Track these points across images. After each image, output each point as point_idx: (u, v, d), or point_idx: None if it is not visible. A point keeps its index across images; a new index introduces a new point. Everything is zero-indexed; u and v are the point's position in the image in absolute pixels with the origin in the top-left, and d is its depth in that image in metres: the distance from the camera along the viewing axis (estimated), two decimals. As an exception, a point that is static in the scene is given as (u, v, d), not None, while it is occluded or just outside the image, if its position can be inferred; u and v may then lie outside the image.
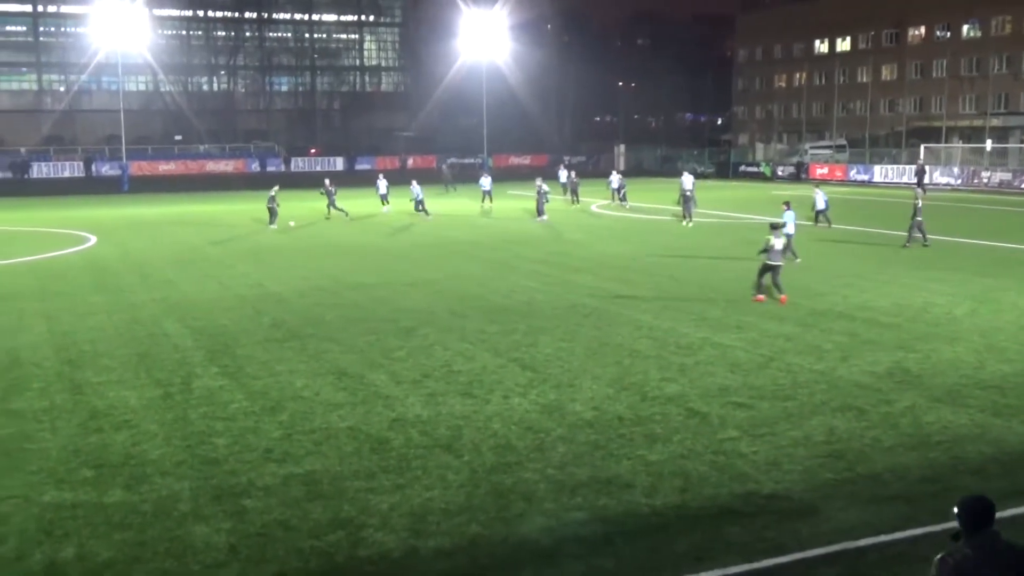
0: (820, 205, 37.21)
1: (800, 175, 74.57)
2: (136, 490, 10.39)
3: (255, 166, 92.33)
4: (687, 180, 43.14)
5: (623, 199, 48.77)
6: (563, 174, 56.17)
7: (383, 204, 46.85)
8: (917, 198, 31.38)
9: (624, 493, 10.25)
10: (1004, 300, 21.27)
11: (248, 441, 11.96)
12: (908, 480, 10.58)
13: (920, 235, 30.79)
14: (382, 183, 47.18)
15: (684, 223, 39.07)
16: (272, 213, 39.76)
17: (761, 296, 21.48)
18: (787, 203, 27.85)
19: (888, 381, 14.61)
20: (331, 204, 43.28)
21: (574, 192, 50.99)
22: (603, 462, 11.17)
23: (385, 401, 13.66)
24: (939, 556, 5.25)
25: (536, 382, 14.63)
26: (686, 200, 40.24)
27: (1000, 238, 33.16)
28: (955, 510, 5.32)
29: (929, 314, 19.75)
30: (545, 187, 42.70)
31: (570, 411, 13.14)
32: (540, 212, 41.78)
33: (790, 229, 26.57)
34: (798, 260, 26.93)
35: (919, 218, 30.72)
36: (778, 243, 21.55)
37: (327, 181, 44.41)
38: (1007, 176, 61.46)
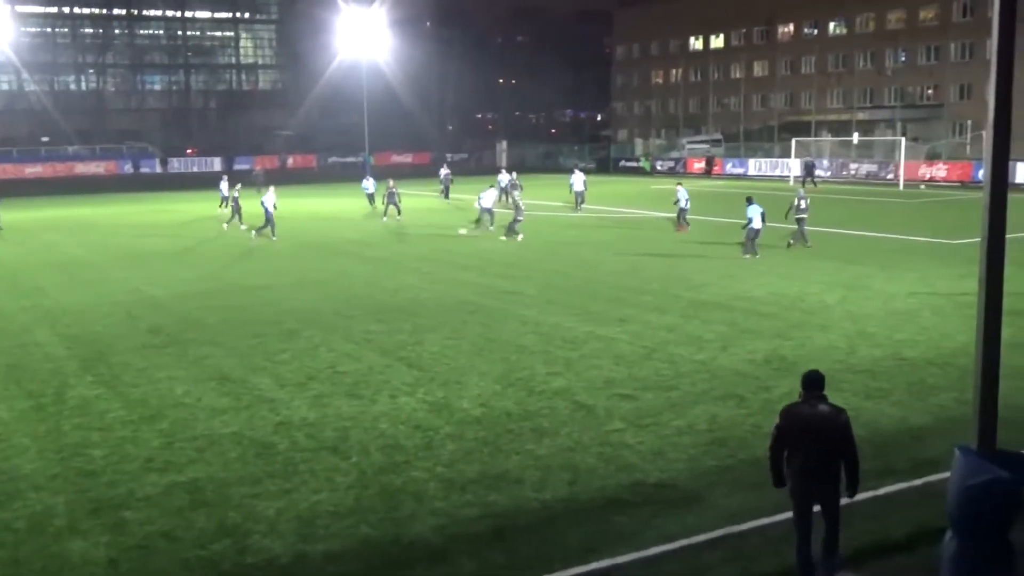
0: (682, 204, 36.81)
1: (678, 169, 76.13)
2: (8, 507, 9.97)
3: (128, 167, 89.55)
4: (578, 178, 43.85)
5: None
6: (443, 171, 55.86)
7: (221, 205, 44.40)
8: (800, 197, 29.96)
9: (514, 488, 10.31)
10: (872, 287, 22.13)
11: (127, 451, 11.61)
12: (787, 464, 10.90)
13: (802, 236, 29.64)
14: (224, 186, 44.31)
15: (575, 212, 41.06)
16: (236, 210, 37.81)
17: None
18: (749, 198, 28.06)
19: (766, 368, 15.04)
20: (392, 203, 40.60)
21: (446, 188, 51.80)
22: (492, 458, 11.21)
23: (269, 405, 13.44)
24: (785, 404, 8.11)
25: (423, 381, 14.59)
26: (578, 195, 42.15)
27: (868, 227, 34.49)
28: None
29: (804, 303, 20.41)
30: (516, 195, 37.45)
31: (458, 408, 13.14)
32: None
33: (756, 224, 27.01)
34: (747, 256, 26.90)
35: (802, 215, 29.57)
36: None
37: (391, 182, 41.11)
38: (873, 167, 63.94)
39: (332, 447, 11.65)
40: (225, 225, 38.00)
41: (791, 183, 59.44)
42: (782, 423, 7.94)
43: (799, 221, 29.49)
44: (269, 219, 33.93)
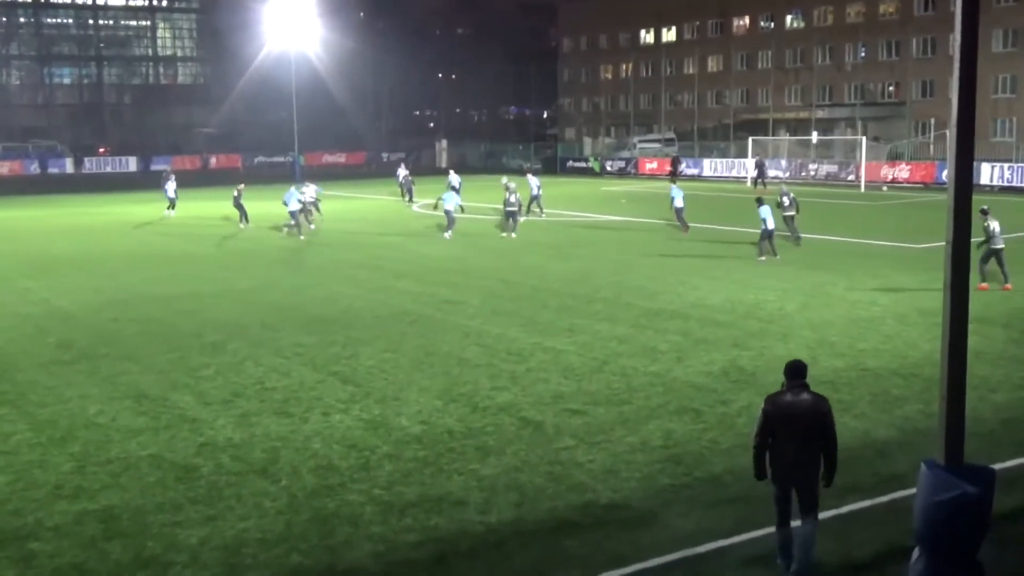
0: (533, 191, 39.94)
1: (629, 169, 76.64)
2: (-99, 539, 9.72)
3: (34, 167, 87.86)
4: (533, 181, 43.84)
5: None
6: (401, 172, 55.73)
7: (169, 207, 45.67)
8: (783, 194, 31.49)
9: (457, 511, 10.29)
10: (833, 294, 22.46)
11: (34, 477, 11.38)
12: (747, 481, 10.97)
13: (792, 235, 30.85)
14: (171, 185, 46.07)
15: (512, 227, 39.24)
16: (242, 210, 39.60)
17: (985, 285, 22.28)
18: (759, 199, 28.67)
19: (724, 381, 15.19)
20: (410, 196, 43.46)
21: (409, 191, 51.95)
22: (433, 479, 11.18)
23: (191, 424, 13.28)
24: (768, 394, 8.81)
25: (358, 397, 14.51)
26: (535, 199, 42.06)
27: (828, 231, 35.00)
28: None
29: (762, 310, 20.66)
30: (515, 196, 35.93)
31: (396, 426, 13.09)
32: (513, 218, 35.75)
33: (771, 224, 27.69)
34: (763, 259, 27.25)
35: (789, 213, 30.76)
36: (996, 226, 22.45)
37: (404, 170, 43.67)
38: (833, 168, 64.90)
39: (260, 469, 11.54)
40: (241, 225, 39.29)
41: (748, 184, 60.22)
42: (768, 410, 8.61)
43: (787, 220, 30.76)
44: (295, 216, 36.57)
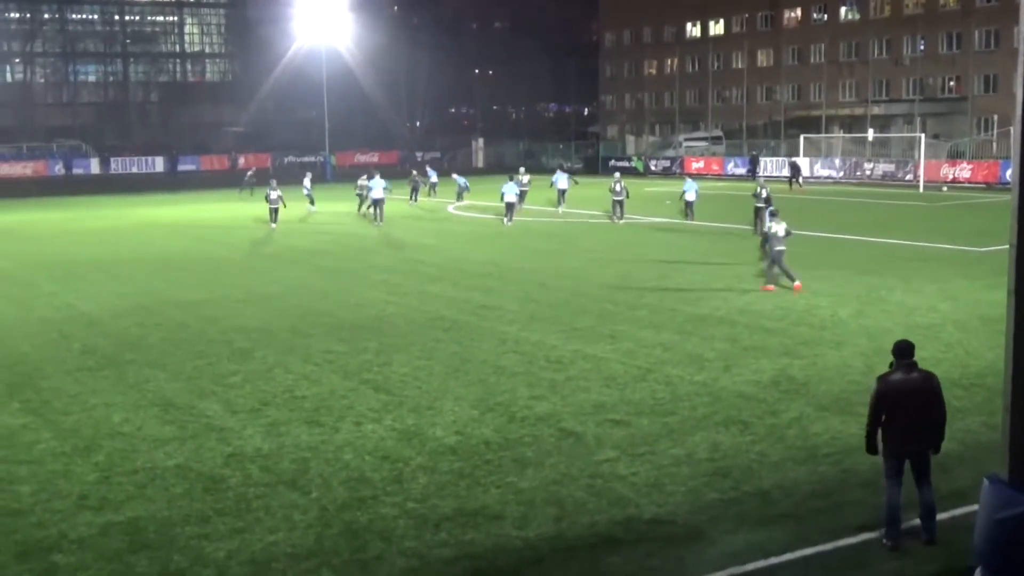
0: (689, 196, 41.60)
1: (674, 169, 76.43)
2: (-77, 550, 9.88)
3: (59, 168, 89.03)
4: (561, 178, 47.30)
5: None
6: (433, 174, 56.75)
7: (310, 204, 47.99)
8: (761, 186, 34.78)
9: (493, 525, 10.29)
10: (890, 299, 22.27)
11: (58, 487, 11.52)
12: (797, 496, 10.96)
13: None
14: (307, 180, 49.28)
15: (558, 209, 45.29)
16: (274, 211, 40.65)
17: (771, 287, 23.61)
18: (773, 212, 26.79)
19: (773, 390, 15.10)
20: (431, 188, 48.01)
21: (415, 190, 53.36)
22: (469, 492, 11.19)
23: (219, 434, 13.37)
24: (879, 375, 9.76)
25: (391, 406, 14.56)
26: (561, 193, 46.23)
27: (884, 233, 34.73)
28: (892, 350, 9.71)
29: (814, 316, 20.52)
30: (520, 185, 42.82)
31: (430, 437, 13.12)
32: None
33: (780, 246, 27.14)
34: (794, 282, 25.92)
35: (760, 205, 33.71)
36: (780, 229, 23.93)
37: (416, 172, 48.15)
38: (890, 167, 64.40)
39: (290, 481, 11.60)
40: (272, 226, 40.24)
41: (790, 185, 59.87)
42: (882, 389, 9.57)
43: (756, 211, 33.43)
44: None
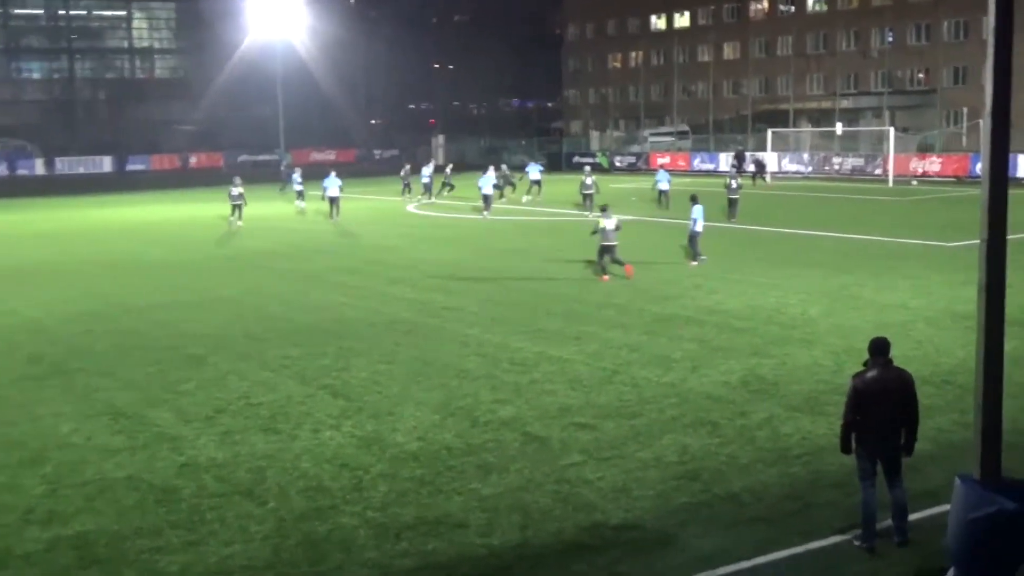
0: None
1: (640, 165, 76.67)
2: None
3: (2, 169, 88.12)
4: (533, 169, 52.10)
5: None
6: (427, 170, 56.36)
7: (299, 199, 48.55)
8: (732, 177, 36.80)
9: (456, 534, 10.27)
10: (861, 297, 22.45)
11: (3, 501, 11.38)
12: (768, 499, 11.02)
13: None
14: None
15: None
16: (237, 208, 41.00)
17: (606, 276, 25.28)
18: (693, 196, 28.89)
19: (743, 391, 15.18)
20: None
21: (428, 189, 53.67)
22: (431, 499, 11.17)
23: (171, 443, 13.28)
24: (854, 374, 9.78)
25: (350, 412, 14.51)
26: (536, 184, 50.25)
27: (853, 229, 35.00)
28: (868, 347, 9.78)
29: (783, 315, 20.65)
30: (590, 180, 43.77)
31: (391, 443, 13.08)
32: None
33: (700, 227, 27.85)
34: (694, 263, 27.56)
35: (734, 196, 37.57)
36: (609, 223, 25.53)
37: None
38: (859, 162, 64.98)
39: (245, 491, 11.54)
40: (237, 222, 40.56)
41: (754, 180, 60.29)
42: (858, 387, 9.62)
43: (731, 202, 36.95)
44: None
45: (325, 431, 13.65)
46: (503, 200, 50.41)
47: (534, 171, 52.20)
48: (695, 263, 27.53)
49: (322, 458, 12.58)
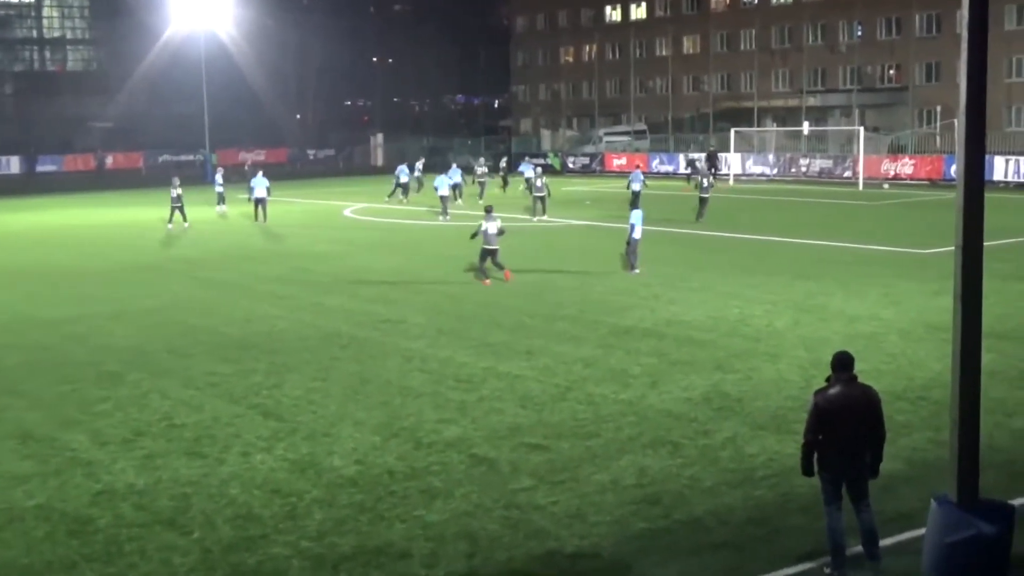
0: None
1: (594, 167, 76.95)
2: None
3: None
4: (481, 168, 54.27)
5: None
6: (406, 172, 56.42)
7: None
8: (704, 176, 39.08)
9: (399, 564, 10.25)
10: (830, 307, 22.67)
11: (-101, 533, 11.20)
12: (733, 524, 11.08)
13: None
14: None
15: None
16: (178, 210, 41.56)
17: (488, 280, 26.40)
18: (633, 201, 29.73)
19: (705, 408, 15.27)
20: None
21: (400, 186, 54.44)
22: (371, 527, 11.13)
23: (86, 469, 13.13)
24: (816, 390, 9.76)
25: (283, 433, 14.43)
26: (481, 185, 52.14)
27: (822, 235, 35.35)
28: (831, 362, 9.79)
29: (748, 327, 20.80)
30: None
31: (327, 467, 13.03)
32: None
33: (638, 233, 27.92)
34: (636, 271, 27.73)
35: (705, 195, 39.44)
36: (491, 227, 26.70)
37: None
38: (827, 163, 65.60)
39: (168, 520, 11.44)
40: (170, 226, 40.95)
41: (731, 181, 60.86)
42: (820, 404, 9.59)
43: (701, 201, 38.80)
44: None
45: (255, 454, 13.56)
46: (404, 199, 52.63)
47: (528, 170, 51.95)
48: (637, 272, 27.59)
49: (252, 484, 12.49)
